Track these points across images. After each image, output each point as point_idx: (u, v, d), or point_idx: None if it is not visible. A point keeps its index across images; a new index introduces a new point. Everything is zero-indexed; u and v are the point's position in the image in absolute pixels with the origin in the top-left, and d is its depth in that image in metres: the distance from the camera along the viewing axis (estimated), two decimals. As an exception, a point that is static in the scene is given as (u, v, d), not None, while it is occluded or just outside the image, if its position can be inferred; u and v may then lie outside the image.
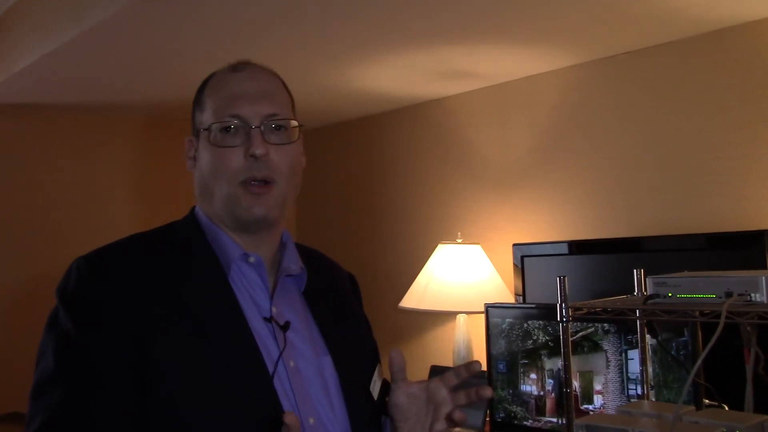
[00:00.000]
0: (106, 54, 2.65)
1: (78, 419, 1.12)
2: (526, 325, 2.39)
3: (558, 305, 1.55)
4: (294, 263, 1.36)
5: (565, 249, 2.69)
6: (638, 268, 1.75)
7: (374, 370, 1.42)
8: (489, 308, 2.52)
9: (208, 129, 1.30)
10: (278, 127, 1.31)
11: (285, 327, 1.27)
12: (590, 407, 2.22)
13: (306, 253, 1.45)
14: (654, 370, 2.04)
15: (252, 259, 1.30)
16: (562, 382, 1.59)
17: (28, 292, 3.25)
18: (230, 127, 1.28)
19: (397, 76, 3.00)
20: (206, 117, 1.32)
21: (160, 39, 2.49)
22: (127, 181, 3.70)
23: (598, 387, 2.21)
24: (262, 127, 1.29)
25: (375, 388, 1.39)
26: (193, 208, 1.39)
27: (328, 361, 1.32)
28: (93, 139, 3.67)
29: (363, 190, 3.82)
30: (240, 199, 1.28)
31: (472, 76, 3.02)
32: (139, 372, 1.15)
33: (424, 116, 3.48)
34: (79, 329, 1.17)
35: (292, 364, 1.26)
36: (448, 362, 3.01)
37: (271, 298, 1.31)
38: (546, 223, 2.94)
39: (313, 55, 2.72)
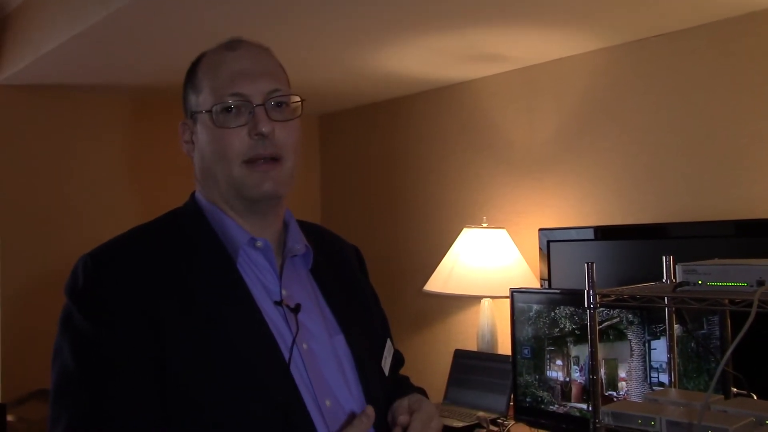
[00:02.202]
0: (132, 36, 2.65)
1: (104, 418, 1.12)
2: (553, 313, 2.38)
3: (586, 292, 1.54)
4: (298, 242, 1.35)
5: (591, 234, 2.66)
6: (665, 254, 1.73)
7: (384, 345, 1.42)
8: (514, 293, 2.51)
9: (210, 110, 1.27)
10: (279, 104, 1.29)
11: (296, 309, 1.26)
12: (614, 394, 2.21)
13: (309, 229, 1.44)
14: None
15: (259, 244, 1.29)
16: (589, 368, 1.58)
17: (49, 274, 3.28)
18: (232, 106, 1.26)
19: (424, 58, 2.98)
20: (204, 98, 1.29)
21: (186, 22, 2.49)
22: (152, 163, 3.72)
23: (622, 374, 2.20)
24: (265, 105, 1.27)
25: (386, 364, 1.39)
26: (193, 193, 1.37)
27: (340, 340, 1.32)
28: (116, 122, 3.69)
29: (388, 173, 3.82)
30: (246, 178, 1.26)
31: (500, 58, 2.99)
32: (158, 363, 1.15)
33: (451, 99, 3.46)
34: (94, 326, 1.17)
35: (305, 346, 1.26)
36: (473, 346, 3.01)
37: (280, 280, 1.30)
38: (572, 208, 2.92)
39: (339, 38, 2.71)
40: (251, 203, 1.29)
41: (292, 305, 1.27)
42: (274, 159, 1.27)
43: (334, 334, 1.32)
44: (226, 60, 1.29)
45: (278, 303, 1.27)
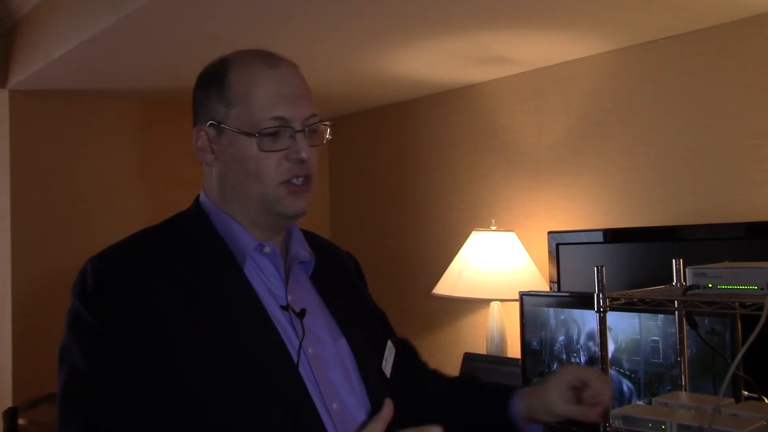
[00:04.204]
0: (142, 41, 2.66)
1: (116, 419, 1.12)
2: (562, 316, 2.37)
3: (595, 295, 1.54)
4: (303, 249, 1.37)
5: (600, 237, 2.66)
6: (675, 257, 1.72)
7: (385, 347, 1.43)
8: (523, 296, 2.51)
9: (250, 133, 1.25)
10: (314, 128, 1.31)
11: (301, 314, 1.28)
12: (625, 397, 2.21)
13: (306, 237, 1.45)
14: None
15: (267, 249, 1.30)
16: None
17: (60, 276, 3.29)
18: (276, 131, 1.26)
19: (431, 61, 2.99)
20: (240, 114, 1.27)
21: (194, 27, 2.50)
22: (161, 166, 3.73)
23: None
24: (305, 131, 1.28)
25: (387, 366, 1.40)
26: (197, 197, 1.37)
27: (344, 344, 1.34)
28: (125, 125, 3.71)
29: (396, 177, 3.82)
30: (283, 198, 1.27)
31: (508, 61, 2.99)
32: (169, 363, 1.16)
33: (459, 102, 3.46)
34: (104, 327, 1.17)
35: (311, 350, 1.27)
36: (482, 350, 3.01)
37: (286, 285, 1.32)
38: (581, 211, 2.92)
39: (345, 41, 2.71)
40: (280, 219, 1.31)
41: (298, 310, 1.28)
42: (307, 180, 1.30)
43: (337, 338, 1.34)
44: (267, 79, 1.28)
45: (284, 308, 1.28)
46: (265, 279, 1.30)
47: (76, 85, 3.36)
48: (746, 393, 1.72)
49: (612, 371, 2.19)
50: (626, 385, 2.18)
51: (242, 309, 1.24)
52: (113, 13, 2.40)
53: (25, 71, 3.15)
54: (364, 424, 1.23)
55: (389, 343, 1.44)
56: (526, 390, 1.42)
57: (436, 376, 1.58)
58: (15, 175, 3.38)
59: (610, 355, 2.15)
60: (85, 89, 3.44)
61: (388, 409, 1.16)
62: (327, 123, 1.34)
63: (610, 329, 2.10)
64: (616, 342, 2.22)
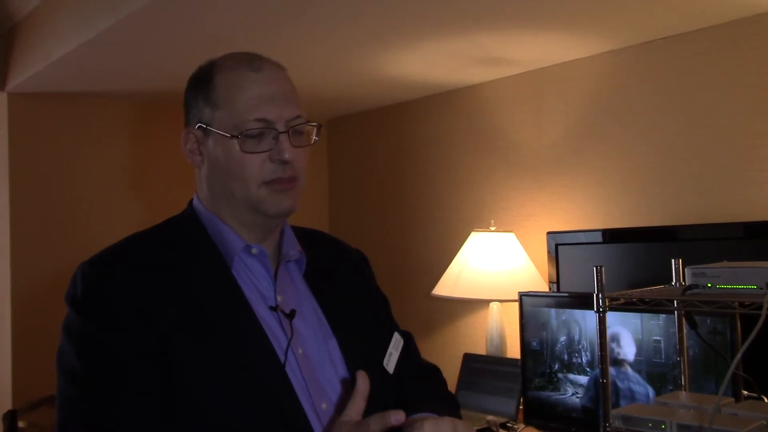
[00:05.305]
0: (141, 42, 2.67)
1: (113, 421, 1.14)
2: (564, 317, 2.37)
3: (594, 295, 1.54)
4: (293, 248, 1.38)
5: (599, 237, 2.66)
6: (673, 257, 1.72)
7: (388, 343, 1.42)
8: (523, 296, 2.51)
9: (232, 135, 1.27)
10: (299, 129, 1.31)
11: (291, 315, 1.29)
12: (624, 397, 2.21)
13: (306, 235, 1.46)
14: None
15: (255, 251, 1.32)
16: (599, 371, 1.58)
17: (59, 277, 3.28)
18: (260, 132, 1.27)
19: (431, 62, 2.99)
20: (223, 117, 1.28)
21: (194, 28, 2.50)
22: (159, 167, 3.73)
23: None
24: (289, 132, 1.28)
25: (391, 361, 1.39)
26: (190, 201, 1.39)
27: (333, 344, 1.34)
28: (124, 127, 3.71)
29: (395, 178, 3.82)
30: (267, 197, 1.29)
31: (507, 62, 2.99)
32: (163, 365, 1.17)
33: (458, 103, 3.46)
34: (98, 330, 1.18)
35: (300, 351, 1.28)
36: (481, 350, 3.01)
37: (275, 286, 1.32)
38: (581, 211, 2.92)
39: (345, 41, 2.72)
40: (266, 219, 1.32)
41: (287, 311, 1.29)
42: (291, 180, 1.30)
43: (327, 337, 1.34)
44: (250, 81, 1.29)
45: (273, 308, 1.29)
46: (255, 280, 1.31)
47: (75, 87, 3.36)
48: (746, 392, 1.72)
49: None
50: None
51: (229, 310, 1.25)
52: (113, 14, 2.40)
53: (25, 73, 3.15)
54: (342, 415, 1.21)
55: (395, 336, 1.43)
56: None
57: (417, 380, 1.48)
58: (14, 177, 3.38)
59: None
60: (84, 91, 3.44)
61: (363, 384, 1.17)
62: (313, 123, 1.34)
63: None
64: (619, 343, 2.22)
